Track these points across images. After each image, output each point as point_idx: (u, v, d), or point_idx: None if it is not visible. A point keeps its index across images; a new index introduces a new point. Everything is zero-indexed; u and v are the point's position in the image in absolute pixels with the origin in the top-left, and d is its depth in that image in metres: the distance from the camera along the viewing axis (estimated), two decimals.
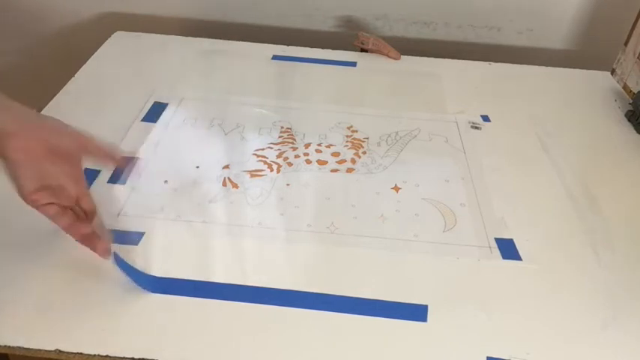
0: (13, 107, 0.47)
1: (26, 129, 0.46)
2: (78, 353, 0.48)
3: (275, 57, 0.95)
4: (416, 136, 0.78)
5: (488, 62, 0.98)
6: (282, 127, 0.78)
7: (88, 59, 0.91)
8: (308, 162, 0.72)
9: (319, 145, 0.75)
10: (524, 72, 0.96)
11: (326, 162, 0.72)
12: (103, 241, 0.52)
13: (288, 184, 0.68)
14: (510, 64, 0.98)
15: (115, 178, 0.66)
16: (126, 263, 0.53)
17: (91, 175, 0.66)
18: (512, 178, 0.71)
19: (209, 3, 1.05)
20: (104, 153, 0.52)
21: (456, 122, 0.81)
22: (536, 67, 0.97)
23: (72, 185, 0.50)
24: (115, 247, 0.57)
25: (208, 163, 0.70)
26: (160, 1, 1.06)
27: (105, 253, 0.52)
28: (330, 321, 0.52)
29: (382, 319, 0.52)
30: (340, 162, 0.72)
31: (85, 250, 0.57)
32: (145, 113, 0.79)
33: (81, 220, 0.52)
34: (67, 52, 1.02)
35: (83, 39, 1.03)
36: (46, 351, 0.48)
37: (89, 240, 0.52)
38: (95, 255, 0.54)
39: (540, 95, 0.89)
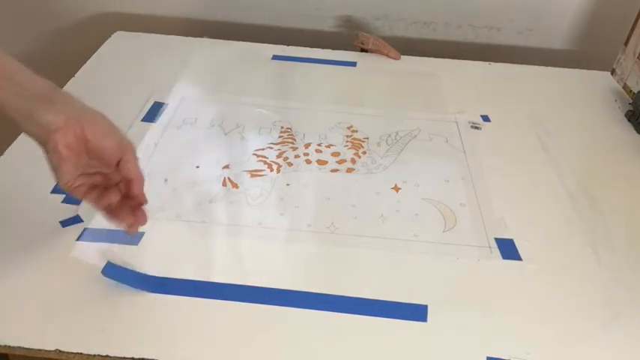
0: (59, 100, 0.47)
1: (71, 125, 0.46)
2: (78, 353, 0.48)
3: (275, 57, 0.95)
4: (416, 136, 0.78)
5: (488, 62, 0.98)
6: (282, 127, 0.78)
7: (88, 59, 0.91)
8: (308, 162, 0.72)
9: (319, 145, 0.75)
10: (524, 72, 0.96)
11: (326, 162, 0.72)
12: (132, 216, 0.52)
13: (288, 184, 0.68)
14: (510, 64, 0.98)
15: None
16: (119, 271, 0.53)
17: None
18: (512, 178, 0.71)
19: (209, 3, 1.05)
20: (130, 175, 0.50)
21: (456, 122, 0.81)
22: (536, 67, 0.97)
23: (111, 172, 0.51)
24: (115, 248, 0.57)
25: (208, 163, 0.70)
26: (160, 1, 1.06)
27: (131, 227, 0.52)
28: (330, 321, 0.52)
29: (382, 319, 0.52)
30: (340, 162, 0.72)
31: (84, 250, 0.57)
32: (145, 113, 0.79)
33: (109, 192, 0.51)
34: (67, 52, 1.02)
35: (83, 39, 1.03)
36: (46, 351, 0.48)
37: (117, 213, 0.52)
38: (95, 255, 0.54)
39: (540, 95, 0.89)
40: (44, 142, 0.46)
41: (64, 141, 0.46)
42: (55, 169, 0.47)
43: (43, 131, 0.46)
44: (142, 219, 0.53)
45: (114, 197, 0.51)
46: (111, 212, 0.52)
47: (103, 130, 0.49)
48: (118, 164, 0.50)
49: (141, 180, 0.51)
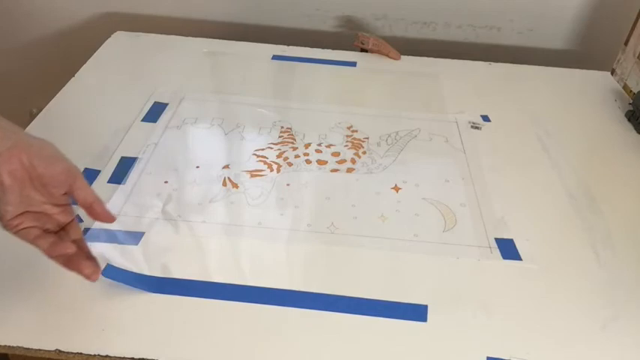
0: (5, 127, 0.45)
1: (15, 151, 0.43)
2: (78, 353, 0.48)
3: (275, 57, 0.95)
4: (416, 136, 0.78)
5: (488, 62, 0.98)
6: (282, 127, 0.78)
7: (88, 59, 0.91)
8: (308, 162, 0.72)
9: (319, 145, 0.75)
10: (524, 72, 0.96)
11: (326, 162, 0.72)
12: (90, 263, 0.48)
13: (288, 184, 0.68)
14: (510, 64, 0.98)
15: (115, 179, 0.66)
16: (119, 272, 0.53)
17: (91, 175, 0.66)
18: (512, 178, 0.71)
19: (209, 3, 1.05)
20: (88, 199, 0.48)
21: (456, 122, 0.81)
22: (536, 67, 0.97)
23: (56, 212, 0.48)
24: (115, 248, 0.57)
25: (208, 163, 0.70)
26: (160, 1, 1.06)
27: (92, 275, 0.48)
28: (330, 321, 0.52)
29: (382, 319, 0.52)
30: (340, 162, 0.72)
31: None
32: (145, 113, 0.79)
33: (63, 240, 0.48)
34: (67, 52, 1.02)
35: (83, 39, 1.03)
36: (46, 351, 0.48)
37: (74, 262, 0.48)
38: (95, 255, 0.54)
39: (540, 95, 0.89)
40: None
41: (7, 167, 0.43)
42: None
43: None
44: (98, 268, 0.49)
45: (69, 249, 0.47)
46: (67, 262, 0.48)
47: (51, 155, 0.46)
48: (65, 194, 0.47)
49: (100, 200, 0.48)
